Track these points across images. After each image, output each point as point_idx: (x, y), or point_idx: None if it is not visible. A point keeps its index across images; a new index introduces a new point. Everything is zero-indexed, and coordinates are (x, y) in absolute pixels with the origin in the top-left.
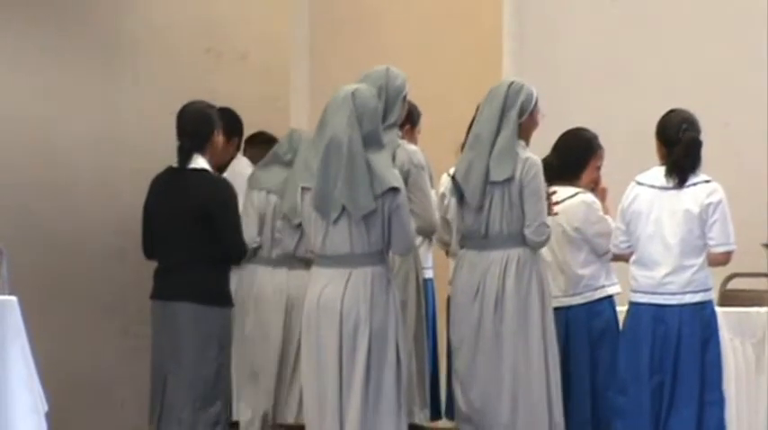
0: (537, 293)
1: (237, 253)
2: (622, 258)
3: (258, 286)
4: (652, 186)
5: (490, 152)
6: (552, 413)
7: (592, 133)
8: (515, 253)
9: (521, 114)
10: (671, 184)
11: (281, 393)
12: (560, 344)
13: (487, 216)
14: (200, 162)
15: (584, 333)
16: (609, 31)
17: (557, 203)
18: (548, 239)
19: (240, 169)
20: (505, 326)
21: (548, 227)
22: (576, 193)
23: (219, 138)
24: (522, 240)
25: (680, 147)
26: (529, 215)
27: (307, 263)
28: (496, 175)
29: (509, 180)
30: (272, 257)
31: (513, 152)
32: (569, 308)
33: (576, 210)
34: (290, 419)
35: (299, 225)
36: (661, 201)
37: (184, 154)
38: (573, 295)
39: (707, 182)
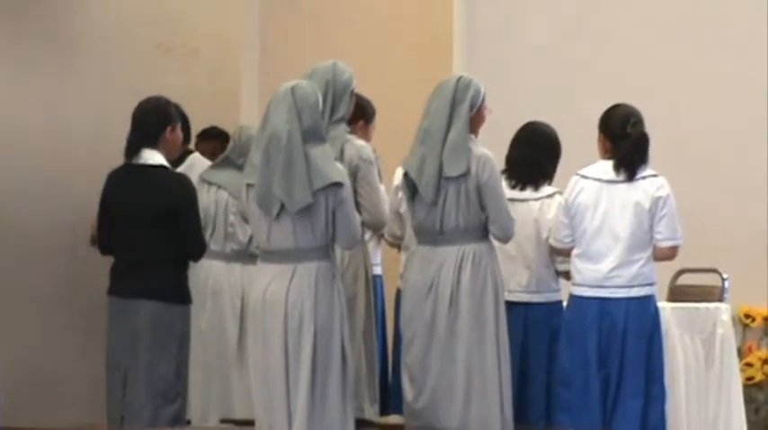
0: (491, 289)
1: (200, 250)
2: (563, 253)
3: (214, 281)
4: (598, 179)
5: (442, 147)
6: (504, 409)
7: (553, 129)
8: (471, 248)
9: (470, 109)
10: (620, 178)
11: (234, 388)
12: (518, 339)
13: (442, 211)
14: (156, 158)
15: (544, 329)
16: (559, 29)
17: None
18: (513, 233)
19: (200, 165)
20: (460, 322)
21: (513, 221)
22: (554, 193)
23: (176, 134)
24: (477, 235)
25: (629, 142)
26: (492, 211)
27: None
28: (451, 171)
29: (464, 175)
30: (227, 252)
31: (465, 147)
32: (529, 304)
33: (554, 211)
34: (241, 415)
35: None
36: (609, 195)
37: (131, 147)
38: (534, 292)
39: (655, 176)
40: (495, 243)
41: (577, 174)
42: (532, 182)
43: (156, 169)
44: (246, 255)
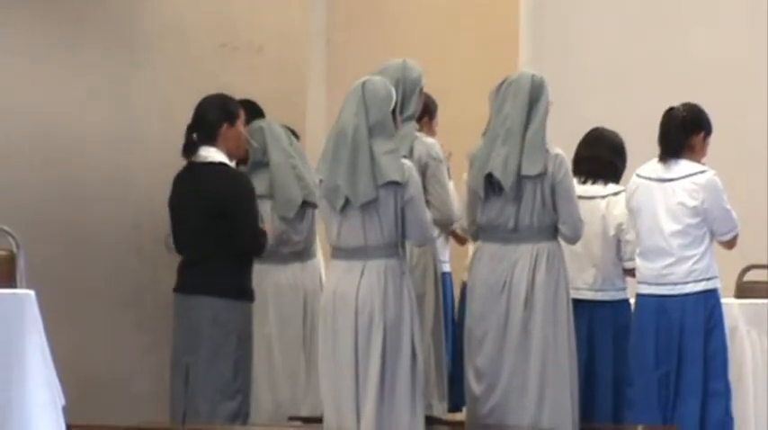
0: (564, 288)
1: (257, 246)
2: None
3: (274, 284)
4: (648, 178)
5: (522, 146)
6: (574, 409)
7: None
8: (545, 247)
9: (546, 108)
10: (664, 175)
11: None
12: (584, 337)
13: (518, 209)
14: (214, 155)
15: (610, 328)
16: (625, 25)
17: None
18: (581, 235)
19: None
20: (535, 321)
21: (582, 222)
22: (620, 191)
23: (236, 131)
24: (549, 234)
25: (660, 131)
26: (563, 212)
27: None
28: (529, 170)
29: (541, 175)
30: (283, 254)
31: (543, 146)
32: (594, 302)
33: (621, 208)
34: (306, 412)
35: (297, 216)
36: (657, 193)
37: (187, 143)
38: (600, 290)
39: (702, 172)
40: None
41: (635, 174)
42: (601, 177)
43: (212, 166)
44: (303, 253)
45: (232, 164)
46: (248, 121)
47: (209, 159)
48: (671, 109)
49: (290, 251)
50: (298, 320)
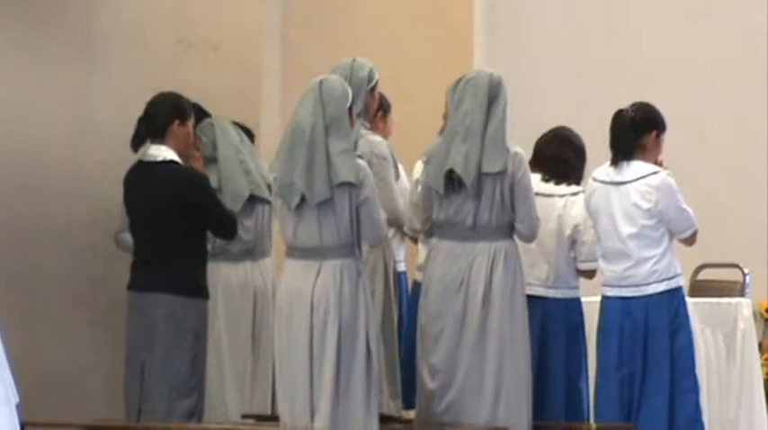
0: (520, 288)
1: (231, 229)
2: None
3: (224, 281)
4: (603, 181)
5: (482, 144)
6: (529, 407)
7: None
8: (502, 245)
9: (505, 106)
10: (617, 178)
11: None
12: (536, 334)
13: (476, 207)
14: (164, 152)
15: (561, 325)
16: (579, 22)
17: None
18: (537, 234)
19: None
20: (492, 319)
21: (539, 221)
22: (578, 192)
23: (185, 129)
24: (508, 233)
25: (611, 132)
26: (521, 210)
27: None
28: (490, 167)
29: (502, 172)
30: (233, 252)
31: (504, 145)
32: (546, 299)
33: (578, 209)
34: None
35: (243, 211)
36: (612, 196)
37: (137, 135)
38: (552, 287)
39: (655, 173)
40: None
41: (591, 177)
42: (564, 178)
43: (164, 165)
44: (255, 251)
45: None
46: (196, 124)
47: (160, 158)
48: (620, 111)
49: (241, 249)
50: (247, 319)
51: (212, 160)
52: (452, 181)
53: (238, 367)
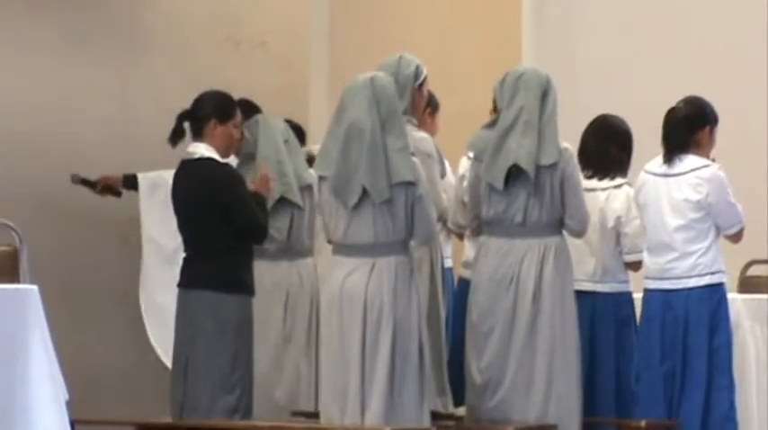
0: (570, 284)
1: (258, 234)
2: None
3: (258, 280)
4: (654, 174)
5: (539, 137)
6: (580, 402)
7: (625, 121)
8: (552, 241)
9: (555, 102)
10: (669, 170)
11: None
12: (585, 329)
13: (527, 203)
14: (202, 150)
15: (611, 319)
16: (627, 18)
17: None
18: (587, 229)
19: None
20: (543, 316)
21: (589, 216)
22: (622, 184)
23: (225, 130)
24: (557, 229)
25: (664, 127)
26: (571, 205)
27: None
28: (545, 160)
29: (553, 167)
30: (270, 251)
31: (556, 137)
32: (595, 293)
33: (620, 201)
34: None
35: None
36: (662, 188)
37: (175, 130)
38: (599, 282)
39: (706, 166)
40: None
41: (643, 170)
42: (608, 174)
43: (200, 162)
44: (290, 250)
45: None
46: (246, 119)
47: (197, 155)
48: (673, 107)
49: (277, 248)
50: (277, 318)
51: (251, 158)
52: (510, 176)
53: (266, 363)
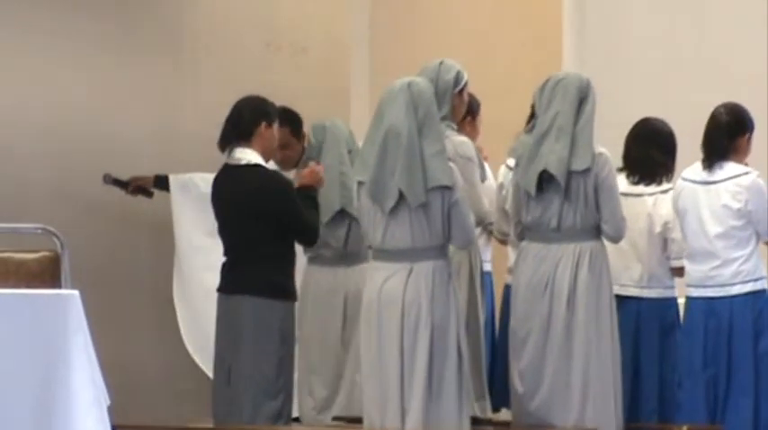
0: (606, 287)
1: (311, 237)
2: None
3: (315, 285)
4: (693, 181)
5: (572, 142)
6: (618, 408)
7: (668, 124)
8: (588, 246)
9: (593, 108)
10: (709, 177)
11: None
12: (630, 334)
13: (561, 208)
14: (249, 156)
15: (656, 325)
16: (668, 22)
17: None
18: (624, 234)
19: None
20: (578, 321)
21: (625, 221)
22: (668, 189)
23: (271, 133)
24: (593, 234)
25: (705, 135)
26: (605, 211)
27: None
28: (577, 165)
29: (586, 172)
30: (327, 257)
31: (591, 143)
32: (641, 299)
33: (667, 206)
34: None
35: (332, 222)
36: (701, 196)
37: (223, 140)
38: (646, 287)
39: (746, 173)
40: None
41: (680, 176)
42: (654, 180)
43: (248, 168)
44: (347, 256)
45: (267, 164)
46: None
47: (245, 161)
48: (714, 115)
49: (335, 254)
50: (336, 324)
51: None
52: (542, 181)
53: (326, 369)
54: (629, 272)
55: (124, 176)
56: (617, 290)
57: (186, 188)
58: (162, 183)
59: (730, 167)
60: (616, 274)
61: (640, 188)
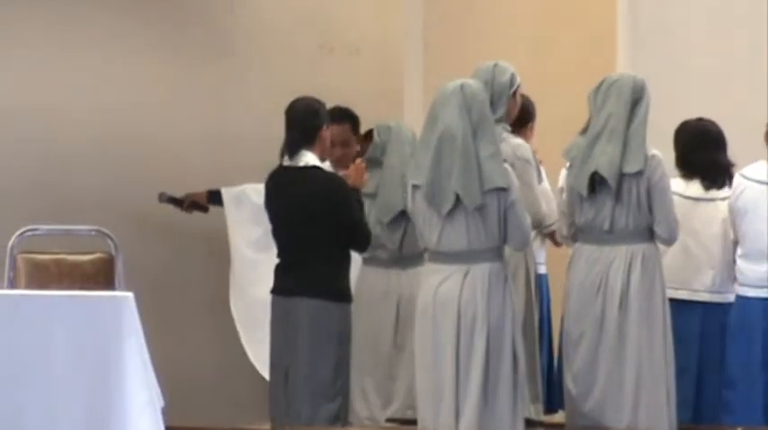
0: (660, 289)
1: (363, 243)
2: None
3: (369, 287)
4: (758, 181)
5: (624, 144)
6: (671, 409)
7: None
8: (639, 248)
9: (647, 109)
10: None
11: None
12: (695, 339)
13: (613, 210)
14: (309, 158)
15: (720, 330)
16: (724, 25)
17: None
18: (677, 236)
19: None
20: (630, 322)
21: (678, 223)
22: None
23: (327, 134)
24: (645, 236)
25: None
26: (659, 213)
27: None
28: (629, 167)
29: (638, 174)
30: (383, 259)
31: (644, 146)
32: (709, 304)
33: None
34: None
35: (392, 223)
36: (765, 196)
37: (293, 146)
38: (716, 292)
39: None
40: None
41: (739, 174)
42: (724, 181)
43: (308, 170)
44: (402, 258)
45: (324, 165)
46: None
47: (303, 163)
48: None
49: (390, 257)
50: (388, 326)
51: (377, 163)
52: (594, 183)
53: (379, 371)
54: (700, 277)
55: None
56: (686, 295)
57: (239, 201)
58: (216, 198)
59: None
60: (686, 279)
61: (712, 193)
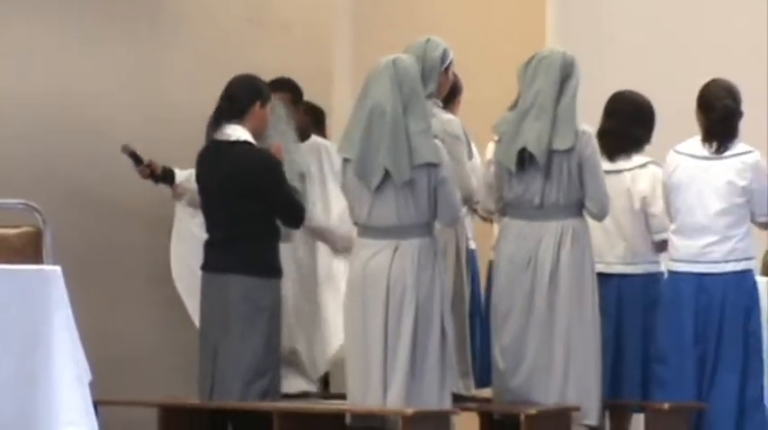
0: (589, 265)
1: (296, 219)
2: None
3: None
4: (692, 156)
5: (553, 121)
6: (599, 384)
7: (642, 95)
8: (570, 224)
9: (577, 85)
10: (709, 153)
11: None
12: (612, 312)
13: (544, 185)
14: (240, 133)
15: (639, 302)
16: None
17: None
18: (608, 211)
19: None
20: (560, 298)
21: (609, 199)
22: (647, 163)
23: (264, 113)
24: (576, 211)
25: (716, 115)
26: (590, 188)
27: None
28: (559, 144)
29: (569, 150)
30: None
31: (574, 122)
32: (624, 275)
33: (646, 181)
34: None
35: None
36: (702, 171)
37: (218, 116)
38: (630, 263)
39: (750, 152)
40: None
41: (673, 150)
42: (623, 152)
43: (238, 145)
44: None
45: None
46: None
47: (234, 137)
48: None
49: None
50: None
51: None
52: (523, 159)
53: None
54: (613, 249)
55: (106, 153)
56: (602, 268)
57: (189, 181)
58: (168, 176)
59: (734, 145)
60: (601, 252)
61: (619, 164)
